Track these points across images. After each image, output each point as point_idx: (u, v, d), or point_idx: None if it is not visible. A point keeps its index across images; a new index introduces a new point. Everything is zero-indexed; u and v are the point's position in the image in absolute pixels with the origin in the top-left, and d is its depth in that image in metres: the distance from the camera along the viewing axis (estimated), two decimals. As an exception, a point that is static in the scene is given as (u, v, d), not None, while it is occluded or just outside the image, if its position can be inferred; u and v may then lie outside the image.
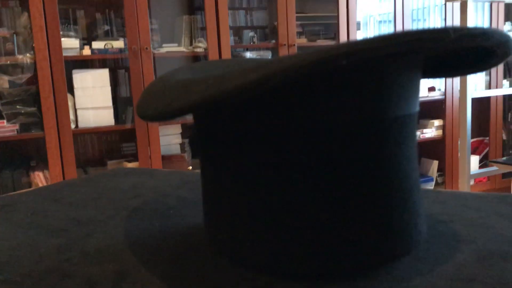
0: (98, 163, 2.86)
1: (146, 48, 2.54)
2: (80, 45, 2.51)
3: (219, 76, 0.30)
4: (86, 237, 0.50)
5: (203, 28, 2.84)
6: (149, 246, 0.46)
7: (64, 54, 2.40)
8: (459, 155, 2.60)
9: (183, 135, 2.85)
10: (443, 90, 3.50)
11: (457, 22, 3.39)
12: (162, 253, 0.44)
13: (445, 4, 3.17)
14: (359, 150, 0.34)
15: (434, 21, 3.76)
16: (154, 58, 2.65)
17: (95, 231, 0.52)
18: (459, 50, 0.35)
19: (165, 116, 0.33)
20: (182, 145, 2.86)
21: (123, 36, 2.63)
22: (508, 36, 0.29)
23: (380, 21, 3.74)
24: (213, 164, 0.40)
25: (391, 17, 3.32)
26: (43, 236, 0.50)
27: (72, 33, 2.54)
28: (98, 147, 2.90)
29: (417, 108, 0.38)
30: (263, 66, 0.28)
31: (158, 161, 2.67)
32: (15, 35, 2.38)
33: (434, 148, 3.56)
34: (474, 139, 3.70)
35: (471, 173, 2.54)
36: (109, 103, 2.56)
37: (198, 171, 0.55)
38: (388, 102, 0.34)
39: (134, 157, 2.75)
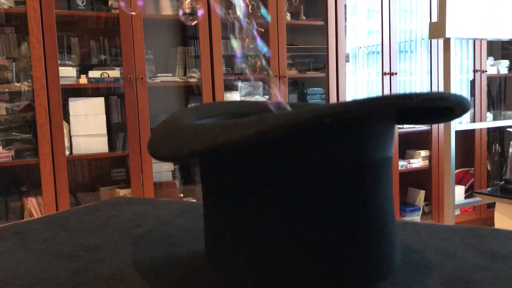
0: (90, 189, 2.89)
1: (142, 78, 2.62)
2: (76, 74, 2.58)
3: (224, 126, 0.37)
4: (98, 262, 0.55)
5: (197, 57, 2.92)
6: (156, 270, 0.51)
7: (61, 82, 2.46)
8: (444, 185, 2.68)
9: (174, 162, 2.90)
10: None
11: (441, 57, 3.50)
12: (168, 276, 0.50)
13: (430, 40, 3.30)
14: (341, 189, 0.41)
15: (421, 54, 3.87)
16: (148, 87, 2.71)
17: (105, 257, 0.57)
18: (424, 108, 0.42)
19: (178, 158, 0.39)
20: (173, 172, 2.91)
21: (119, 65, 2.70)
22: (462, 98, 0.36)
23: (368, 53, 3.85)
24: (215, 199, 0.46)
25: (379, 49, 3.44)
26: (58, 261, 0.55)
27: (69, 62, 2.61)
28: (89, 173, 2.94)
29: (391, 152, 0.44)
30: (261, 121, 0.34)
31: (150, 188, 2.71)
32: (13, 63, 2.44)
33: (420, 178, 3.64)
34: (460, 170, 3.79)
35: (456, 203, 2.61)
36: (103, 130, 2.62)
37: (195, 201, 0.61)
38: (366, 149, 0.40)
39: (125, 183, 2.79)
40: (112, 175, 2.94)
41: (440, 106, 0.37)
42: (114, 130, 2.68)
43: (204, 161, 0.46)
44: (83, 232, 0.68)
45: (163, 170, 2.85)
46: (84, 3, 2.55)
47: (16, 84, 2.41)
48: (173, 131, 0.45)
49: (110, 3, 2.61)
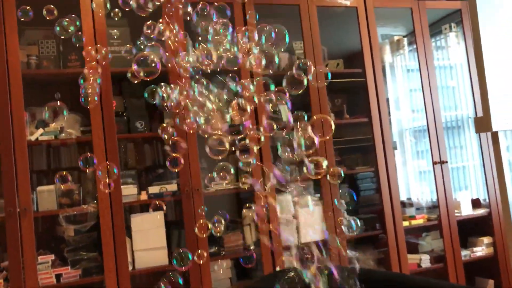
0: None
1: (198, 190, 2.73)
2: (137, 190, 2.73)
3: None
4: None
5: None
6: None
7: (123, 200, 2.61)
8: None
9: (232, 271, 2.92)
10: (487, 199, 3.47)
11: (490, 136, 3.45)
12: None
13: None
14: None
15: (469, 131, 3.83)
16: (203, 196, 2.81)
17: None
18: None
19: None
20: (231, 279, 2.92)
21: (175, 178, 2.84)
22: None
23: (414, 131, 3.84)
24: None
25: (425, 128, 3.43)
26: None
27: (130, 180, 2.77)
28: (150, 283, 2.99)
29: None
30: None
31: (210, 297, 2.72)
32: (80, 187, 2.63)
33: (487, 267, 3.47)
34: (528, 255, 3.59)
35: (530, 298, 2.46)
36: (163, 243, 2.70)
37: None
38: None
39: (185, 291, 2.81)
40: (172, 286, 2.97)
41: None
42: (175, 242, 2.77)
43: None
44: None
45: (221, 278, 2.88)
46: (143, 125, 2.76)
47: (83, 206, 2.57)
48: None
49: (166, 121, 2.81)
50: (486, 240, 3.43)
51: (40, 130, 2.57)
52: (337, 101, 3.41)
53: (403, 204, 3.47)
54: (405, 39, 3.63)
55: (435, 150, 3.36)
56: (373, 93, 3.25)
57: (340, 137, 3.42)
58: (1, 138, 2.41)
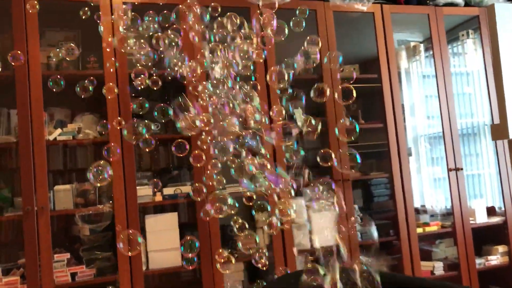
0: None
1: (212, 191, 2.74)
2: (152, 192, 2.75)
3: None
4: None
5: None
6: None
7: (138, 201, 2.63)
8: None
9: (245, 273, 2.93)
10: (503, 207, 3.43)
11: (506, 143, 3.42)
12: None
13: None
14: None
15: (486, 139, 3.78)
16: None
17: None
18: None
19: None
20: (243, 282, 2.93)
21: (191, 179, 2.86)
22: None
23: (430, 137, 3.82)
24: None
25: (440, 135, 3.41)
26: None
27: (145, 181, 2.80)
28: (163, 284, 3.02)
29: None
30: None
31: (222, 298, 2.73)
32: (96, 187, 2.66)
33: (502, 275, 3.43)
34: (544, 265, 3.54)
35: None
36: (177, 244, 2.72)
37: None
38: None
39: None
40: (181, 274, 2.99)
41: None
42: (188, 244, 2.78)
43: None
44: None
45: (235, 279, 2.89)
46: (159, 127, 2.79)
47: (98, 206, 2.60)
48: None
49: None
50: (501, 248, 3.39)
51: (59, 130, 2.62)
52: (352, 106, 3.41)
53: (417, 211, 3.45)
54: (422, 45, 3.62)
55: (450, 157, 3.34)
56: (388, 99, 3.24)
57: (354, 142, 3.41)
58: (20, 138, 2.46)
